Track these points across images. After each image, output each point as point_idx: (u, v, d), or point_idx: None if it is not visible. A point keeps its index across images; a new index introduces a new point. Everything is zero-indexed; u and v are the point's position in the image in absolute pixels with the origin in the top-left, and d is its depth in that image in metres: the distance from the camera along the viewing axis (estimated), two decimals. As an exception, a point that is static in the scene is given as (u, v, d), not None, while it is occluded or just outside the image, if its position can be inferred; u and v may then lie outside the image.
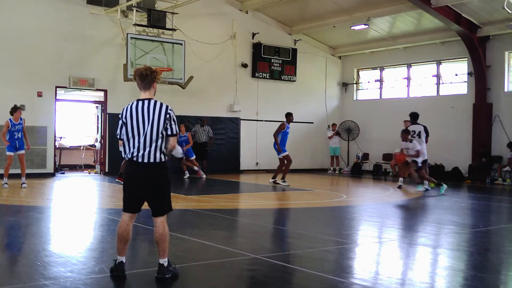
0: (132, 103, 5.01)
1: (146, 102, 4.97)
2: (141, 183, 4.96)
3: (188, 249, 6.55)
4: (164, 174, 5.03)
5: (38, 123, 15.87)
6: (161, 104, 4.97)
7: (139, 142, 4.92)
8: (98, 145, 17.91)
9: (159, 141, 4.94)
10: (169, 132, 4.99)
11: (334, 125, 21.63)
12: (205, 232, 8.01)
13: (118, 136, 5.05)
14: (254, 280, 5.37)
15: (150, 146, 4.91)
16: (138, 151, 4.92)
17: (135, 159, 4.94)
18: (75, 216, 9.26)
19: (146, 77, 4.97)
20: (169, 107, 5.01)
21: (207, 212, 9.73)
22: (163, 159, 4.99)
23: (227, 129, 19.92)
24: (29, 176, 14.55)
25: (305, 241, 7.26)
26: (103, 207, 10.44)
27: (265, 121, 20.75)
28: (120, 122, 5.02)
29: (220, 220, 9.06)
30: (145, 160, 4.91)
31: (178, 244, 6.53)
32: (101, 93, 17.87)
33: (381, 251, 6.95)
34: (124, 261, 5.02)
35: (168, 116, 4.95)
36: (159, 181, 4.99)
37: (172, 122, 4.98)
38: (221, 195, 12.76)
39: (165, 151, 5.02)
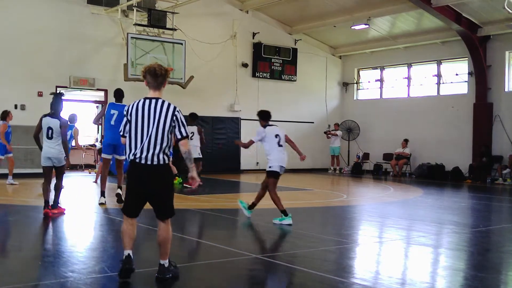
0: (139, 100, 4.85)
1: (153, 101, 4.81)
2: (144, 186, 4.79)
3: (188, 249, 6.55)
4: (167, 176, 4.90)
5: (38, 123, 15.86)
6: (169, 105, 4.81)
7: (142, 143, 4.75)
8: (98, 144, 17.89)
9: (164, 143, 4.76)
10: (178, 136, 4.79)
11: (336, 125, 21.65)
12: (205, 232, 8.02)
13: (121, 133, 4.91)
14: (254, 280, 5.37)
15: (155, 148, 4.73)
16: (142, 152, 4.75)
17: (138, 160, 4.76)
18: (75, 216, 9.26)
19: (160, 77, 4.83)
20: (177, 108, 4.82)
21: (207, 212, 9.73)
22: (166, 161, 4.81)
23: (227, 129, 19.92)
24: (30, 176, 14.58)
25: (305, 241, 7.26)
26: (103, 207, 10.42)
27: (265, 121, 20.75)
28: (125, 119, 4.86)
29: (220, 220, 9.06)
30: (149, 162, 4.74)
31: (178, 244, 6.53)
32: (102, 93, 17.88)
33: (381, 251, 6.94)
34: (132, 255, 4.86)
35: (174, 117, 4.76)
36: (162, 184, 4.84)
37: (180, 125, 4.78)
38: (221, 195, 12.76)
39: (168, 154, 4.83)
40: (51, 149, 8.53)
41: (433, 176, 18.55)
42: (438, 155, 19.16)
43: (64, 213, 8.73)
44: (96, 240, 7.24)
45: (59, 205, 8.77)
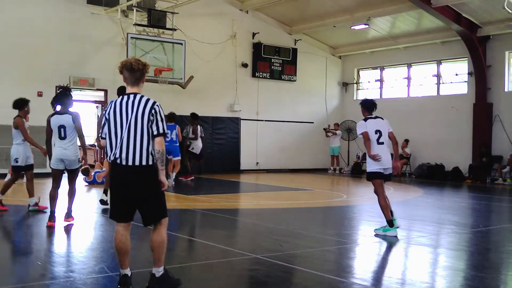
0: (117, 98, 4.58)
1: (131, 96, 4.50)
2: (126, 189, 4.45)
3: (188, 249, 6.55)
4: (152, 179, 4.46)
5: (38, 123, 15.78)
6: (147, 99, 4.48)
7: (121, 141, 4.42)
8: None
9: (145, 140, 4.42)
10: (154, 132, 4.44)
11: (336, 125, 21.64)
12: (205, 232, 8.01)
13: (100, 135, 4.60)
14: (254, 280, 5.37)
15: (134, 146, 4.39)
16: (121, 151, 4.41)
17: (118, 161, 4.42)
18: (75, 216, 9.25)
19: (138, 71, 4.51)
20: (156, 103, 4.49)
21: (207, 212, 9.73)
22: (150, 162, 4.44)
23: (227, 129, 19.92)
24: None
25: (305, 241, 7.25)
26: (103, 207, 10.42)
27: (265, 121, 20.77)
28: (104, 119, 4.55)
29: (220, 220, 9.06)
30: (129, 163, 4.39)
31: (178, 244, 6.53)
32: (101, 93, 17.88)
33: (381, 251, 6.95)
34: (129, 274, 4.55)
35: (153, 111, 4.43)
36: (146, 187, 4.45)
37: (159, 119, 4.44)
38: (221, 195, 12.76)
39: (153, 153, 4.47)
40: (65, 150, 7.65)
41: (433, 176, 18.55)
42: (438, 155, 19.16)
43: (73, 223, 8.11)
44: (96, 240, 7.24)
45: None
